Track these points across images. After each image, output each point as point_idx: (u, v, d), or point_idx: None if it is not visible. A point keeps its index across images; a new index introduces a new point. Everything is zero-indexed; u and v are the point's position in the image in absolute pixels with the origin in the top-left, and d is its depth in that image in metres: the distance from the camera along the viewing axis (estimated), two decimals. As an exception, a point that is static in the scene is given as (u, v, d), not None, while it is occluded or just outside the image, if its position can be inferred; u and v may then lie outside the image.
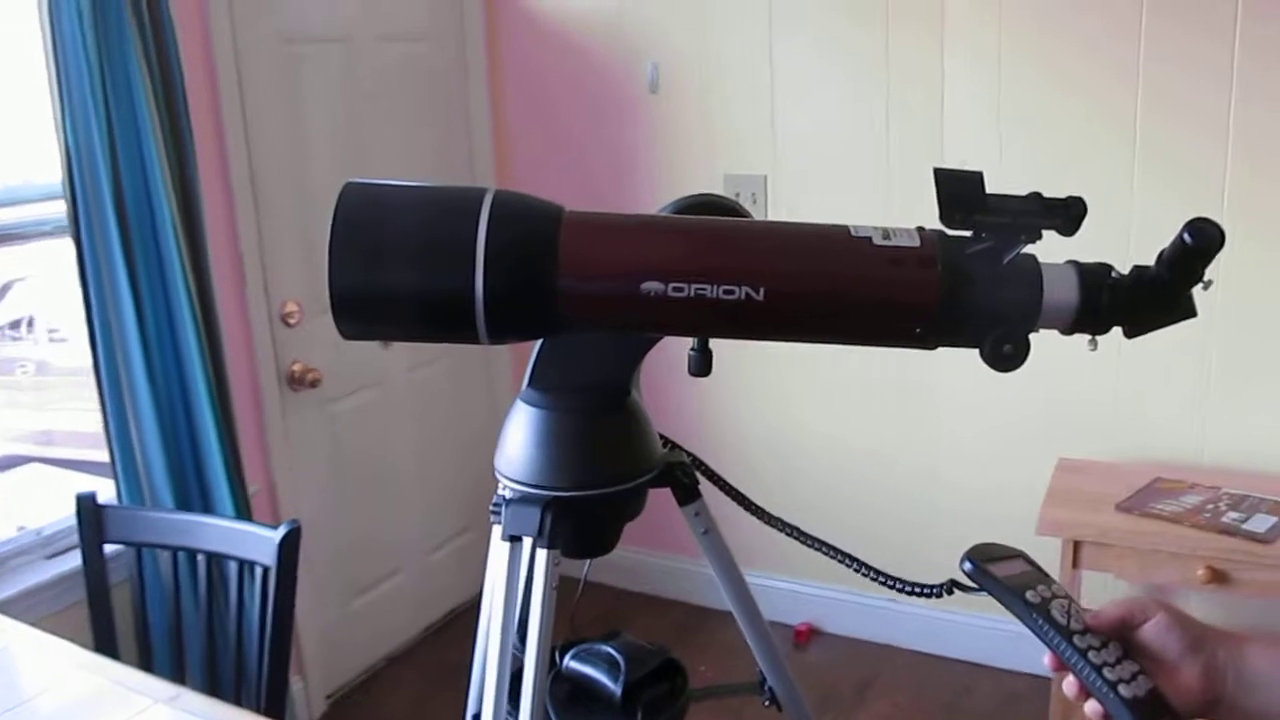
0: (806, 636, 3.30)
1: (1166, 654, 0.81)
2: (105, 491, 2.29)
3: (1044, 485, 2.55)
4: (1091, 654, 0.80)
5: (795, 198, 3.04)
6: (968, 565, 0.86)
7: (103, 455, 2.35)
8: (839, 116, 2.95)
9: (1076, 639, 0.80)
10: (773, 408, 3.26)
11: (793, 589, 3.30)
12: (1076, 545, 2.32)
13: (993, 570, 0.85)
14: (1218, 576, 2.22)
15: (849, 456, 3.18)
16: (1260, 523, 2.28)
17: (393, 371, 3.21)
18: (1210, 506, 2.38)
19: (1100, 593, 2.77)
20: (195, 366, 2.37)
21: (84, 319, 2.25)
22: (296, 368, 2.84)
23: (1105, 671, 0.78)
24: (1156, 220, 2.53)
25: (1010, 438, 2.93)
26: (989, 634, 3.02)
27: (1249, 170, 2.47)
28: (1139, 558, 2.32)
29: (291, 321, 2.80)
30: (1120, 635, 0.82)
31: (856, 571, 1.10)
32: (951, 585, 0.97)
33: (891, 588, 1.06)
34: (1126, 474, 2.58)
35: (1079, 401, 2.82)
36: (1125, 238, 2.52)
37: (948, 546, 3.09)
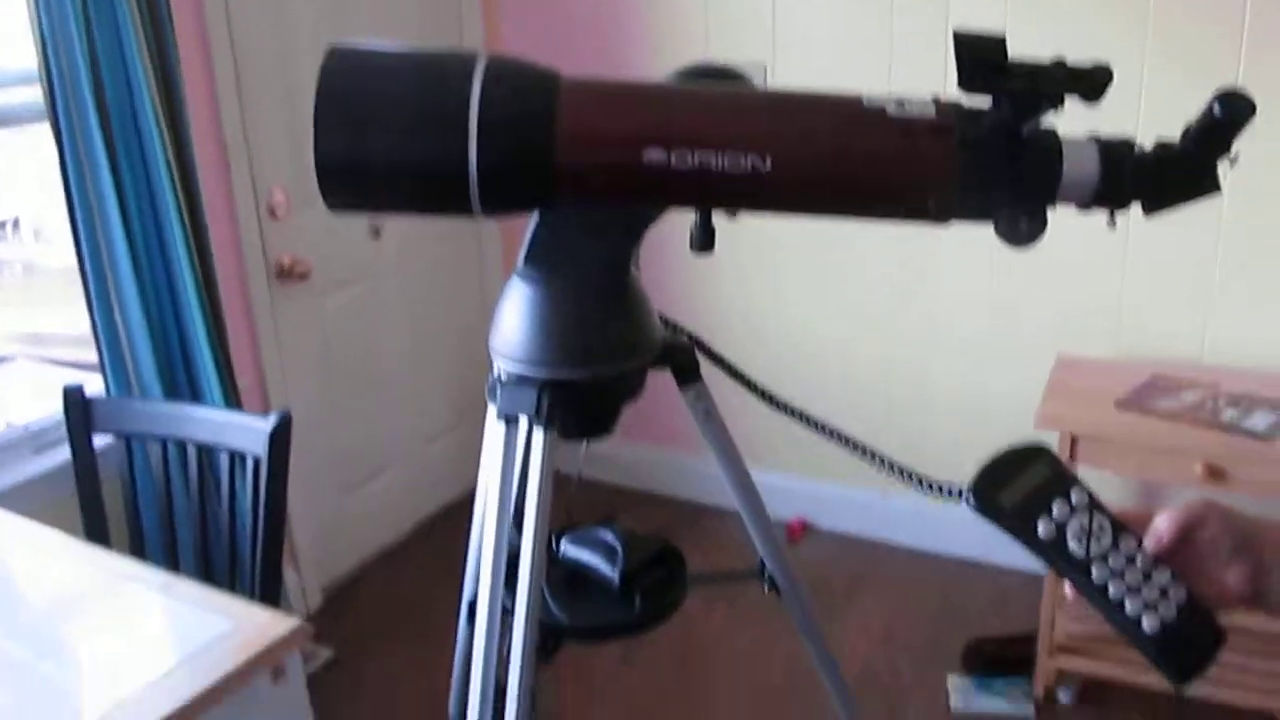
0: (799, 532, 3.32)
1: (1218, 557, 0.78)
2: (94, 388, 2.26)
3: (1042, 384, 2.53)
4: (1112, 585, 0.76)
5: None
6: (973, 501, 0.79)
7: (92, 356, 2.31)
8: (842, 2, 2.86)
9: (1095, 569, 0.76)
10: (767, 302, 3.23)
11: (785, 484, 3.30)
12: (1074, 440, 2.31)
13: (1001, 500, 0.79)
14: (1215, 474, 2.21)
15: (844, 352, 3.16)
16: (1259, 420, 2.27)
17: (384, 263, 3.16)
18: (1209, 404, 2.36)
19: (1096, 487, 2.77)
20: (181, 260, 2.32)
21: (66, 212, 2.19)
22: (285, 260, 2.78)
23: (1127, 604, 0.75)
24: (1166, 111, 2.46)
25: (1008, 334, 2.91)
26: (981, 530, 3.02)
27: (1263, 61, 2.40)
28: (1137, 454, 2.31)
29: (279, 213, 2.74)
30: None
31: (872, 463, 1.06)
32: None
33: (905, 481, 1.01)
34: (1126, 371, 2.56)
35: (1079, 299, 2.79)
36: (1133, 128, 2.45)
37: (943, 444, 3.05)
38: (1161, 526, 0.78)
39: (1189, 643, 0.75)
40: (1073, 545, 0.77)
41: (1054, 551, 0.77)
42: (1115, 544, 0.77)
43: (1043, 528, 0.78)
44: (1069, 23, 2.58)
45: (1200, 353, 2.67)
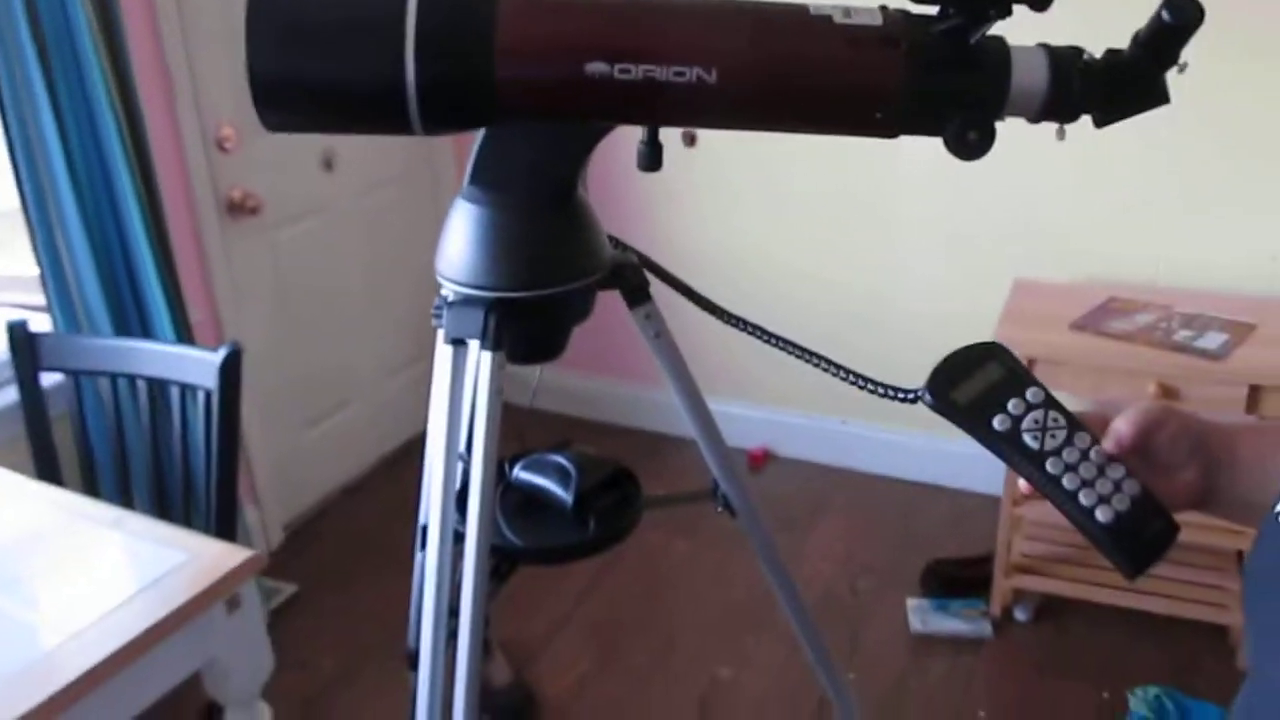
0: (761, 460, 3.34)
1: (1173, 460, 0.79)
2: (43, 327, 2.21)
3: (998, 307, 2.54)
4: (1067, 478, 0.76)
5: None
6: (928, 398, 0.80)
7: (41, 299, 2.26)
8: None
9: (1050, 463, 0.77)
10: (720, 228, 3.21)
11: (747, 414, 3.32)
12: (1030, 362, 2.32)
13: (956, 397, 0.80)
14: (1168, 393, 2.24)
15: (798, 278, 3.16)
16: (1211, 340, 2.30)
17: (338, 196, 3.11)
18: (1163, 325, 2.39)
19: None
20: (128, 196, 2.27)
21: (5, 146, 2.14)
22: (235, 194, 2.73)
23: (1081, 496, 0.76)
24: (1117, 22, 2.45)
25: (965, 260, 2.91)
26: (939, 455, 3.07)
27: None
28: (1092, 375, 2.33)
29: (227, 146, 2.68)
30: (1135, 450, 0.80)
31: (826, 368, 1.05)
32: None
33: (860, 387, 1.00)
34: (1081, 294, 2.57)
35: (1035, 224, 2.80)
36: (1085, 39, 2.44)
37: (899, 367, 3.09)
38: (1121, 428, 0.79)
39: (1142, 534, 0.76)
40: (1027, 439, 0.78)
41: (1009, 445, 0.78)
42: (1070, 439, 0.78)
43: (998, 422, 0.78)
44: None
45: (1155, 275, 2.69)
